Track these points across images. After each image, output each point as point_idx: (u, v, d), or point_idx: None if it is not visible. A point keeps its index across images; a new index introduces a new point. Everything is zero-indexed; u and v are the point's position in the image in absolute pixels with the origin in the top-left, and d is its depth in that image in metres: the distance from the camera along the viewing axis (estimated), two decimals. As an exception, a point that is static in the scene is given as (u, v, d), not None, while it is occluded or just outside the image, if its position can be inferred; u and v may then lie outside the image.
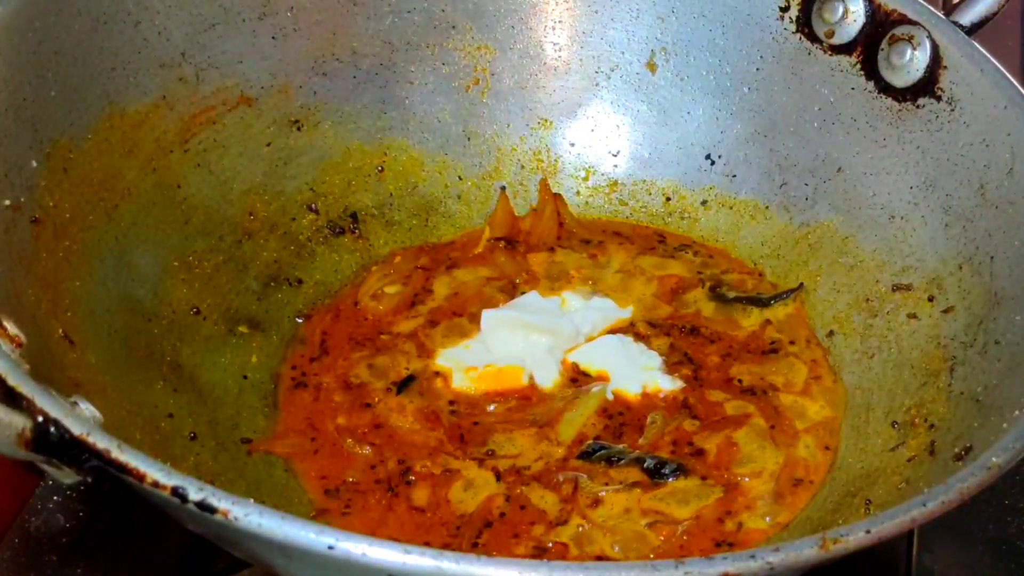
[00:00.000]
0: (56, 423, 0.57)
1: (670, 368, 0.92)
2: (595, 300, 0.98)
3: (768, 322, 0.96)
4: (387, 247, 1.03)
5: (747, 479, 0.84)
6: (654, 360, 0.93)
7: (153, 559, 0.86)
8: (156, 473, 0.55)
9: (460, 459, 0.85)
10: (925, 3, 0.92)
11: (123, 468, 0.56)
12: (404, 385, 0.90)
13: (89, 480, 0.59)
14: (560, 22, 1.06)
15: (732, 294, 0.98)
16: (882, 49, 0.94)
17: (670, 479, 0.83)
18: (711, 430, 0.87)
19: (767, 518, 0.82)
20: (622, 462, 0.85)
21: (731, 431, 0.87)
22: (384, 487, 0.83)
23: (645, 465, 0.84)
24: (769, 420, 0.88)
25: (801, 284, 0.97)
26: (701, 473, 0.84)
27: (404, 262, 1.01)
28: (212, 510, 0.55)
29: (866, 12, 0.94)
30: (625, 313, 0.97)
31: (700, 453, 0.86)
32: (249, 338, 0.92)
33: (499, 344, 0.93)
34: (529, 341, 0.93)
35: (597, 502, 0.82)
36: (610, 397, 0.90)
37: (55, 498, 0.88)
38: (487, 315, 0.95)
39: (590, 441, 0.86)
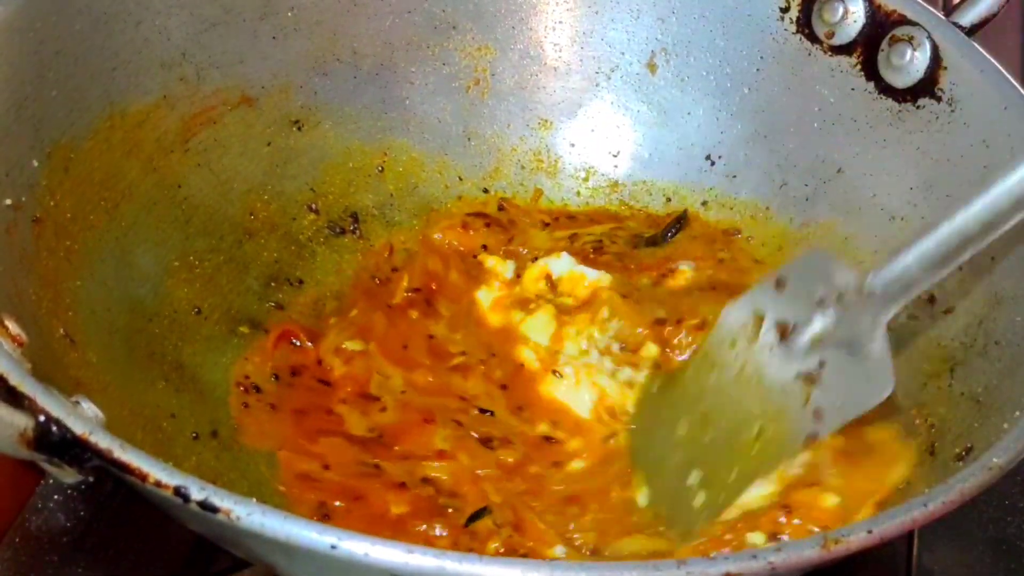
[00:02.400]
0: (58, 422, 0.57)
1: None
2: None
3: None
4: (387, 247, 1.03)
5: None
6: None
7: (155, 559, 0.85)
8: (158, 473, 0.55)
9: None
10: (925, 3, 0.92)
11: (125, 468, 0.56)
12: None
13: (91, 479, 0.59)
14: (560, 22, 1.06)
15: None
16: (882, 50, 0.94)
17: None
18: None
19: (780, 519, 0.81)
20: None
21: None
22: (376, 486, 0.83)
23: None
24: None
25: (685, 211, 1.02)
26: None
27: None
28: (214, 510, 0.55)
29: (866, 13, 0.94)
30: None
31: None
32: (250, 338, 0.92)
33: None
34: None
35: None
36: None
37: (56, 497, 0.88)
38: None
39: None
